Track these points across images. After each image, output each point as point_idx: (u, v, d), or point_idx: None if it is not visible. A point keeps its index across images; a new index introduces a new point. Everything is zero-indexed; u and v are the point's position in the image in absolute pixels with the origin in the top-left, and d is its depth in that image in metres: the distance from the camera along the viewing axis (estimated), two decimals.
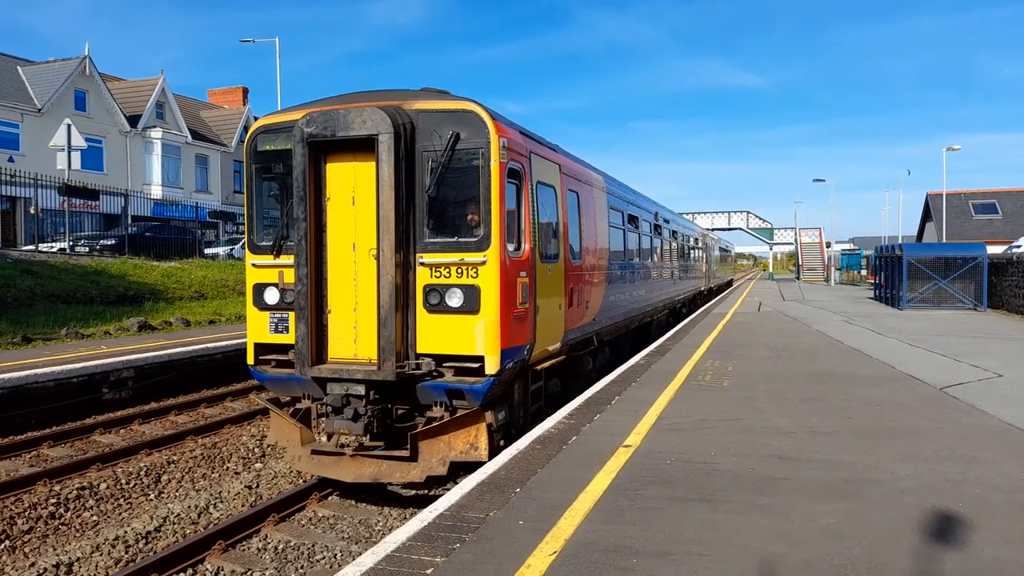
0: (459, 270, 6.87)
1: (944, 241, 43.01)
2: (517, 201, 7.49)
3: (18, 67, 39.86)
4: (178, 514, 7.60)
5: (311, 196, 7.02)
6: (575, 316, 9.54)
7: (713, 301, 30.80)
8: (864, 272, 55.25)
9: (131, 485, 8.45)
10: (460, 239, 6.94)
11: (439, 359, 6.96)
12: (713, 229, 56.75)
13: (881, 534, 4.46)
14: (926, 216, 55.09)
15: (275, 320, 7.50)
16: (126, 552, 6.68)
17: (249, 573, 6.19)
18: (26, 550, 6.80)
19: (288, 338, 7.39)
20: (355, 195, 7.13)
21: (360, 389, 6.88)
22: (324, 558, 6.57)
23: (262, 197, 7.82)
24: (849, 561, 4.06)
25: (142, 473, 8.77)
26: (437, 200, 7.00)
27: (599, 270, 11.02)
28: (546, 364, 8.46)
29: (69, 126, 24.99)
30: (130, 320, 17.38)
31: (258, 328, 7.61)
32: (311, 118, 6.94)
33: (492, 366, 6.82)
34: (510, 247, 7.18)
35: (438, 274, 6.92)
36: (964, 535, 4.43)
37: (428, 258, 6.96)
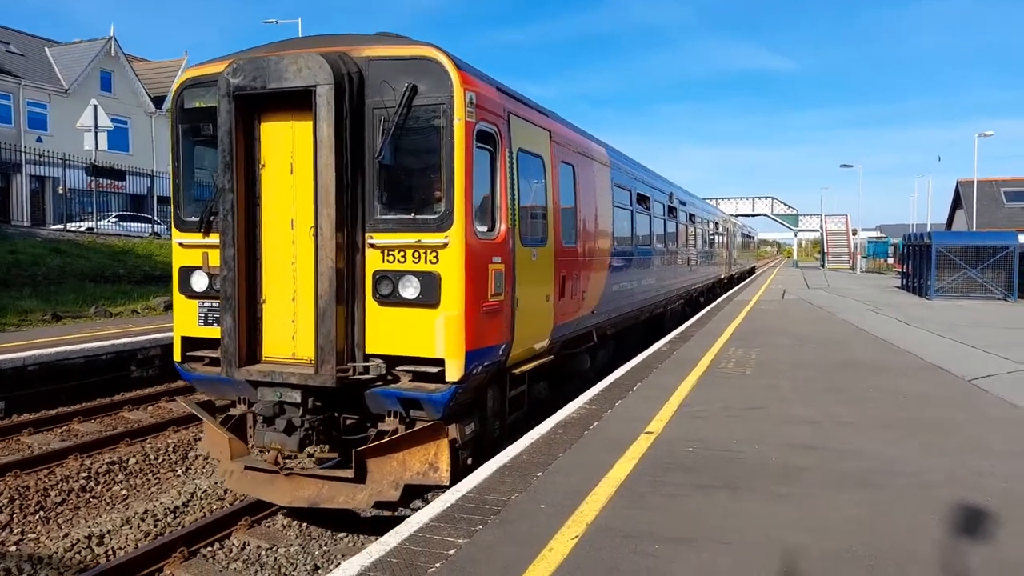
0: (416, 254, 5.80)
1: (974, 229, 42.18)
2: (491, 171, 6.37)
3: (45, 48, 40.40)
4: (205, 490, 7.74)
5: (239, 162, 5.97)
6: (568, 308, 8.37)
7: (735, 289, 30.55)
8: (891, 260, 54.42)
9: (159, 460, 8.62)
10: (417, 216, 5.85)
11: (392, 361, 5.93)
12: (737, 215, 56.14)
13: (906, 526, 4.43)
14: (956, 204, 54.00)
15: (204, 311, 6.51)
16: (155, 526, 6.83)
17: (275, 548, 6.31)
18: (59, 521, 6.99)
19: (219, 332, 6.30)
20: (293, 161, 6.04)
21: (296, 396, 5.88)
22: (347, 534, 6.68)
23: (191, 164, 6.75)
24: (873, 552, 4.04)
25: (170, 449, 8.95)
26: (390, 168, 5.95)
27: (599, 255, 9.80)
28: (529, 366, 7.28)
29: (96, 107, 25.26)
30: (156, 299, 17.64)
31: (186, 319, 6.61)
32: (237, 67, 5.87)
33: (454, 371, 5.74)
34: (480, 227, 6.10)
35: (391, 258, 5.87)
36: (992, 529, 4.38)
37: (379, 239, 5.89)
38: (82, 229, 26.51)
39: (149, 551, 5.95)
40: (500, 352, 6.44)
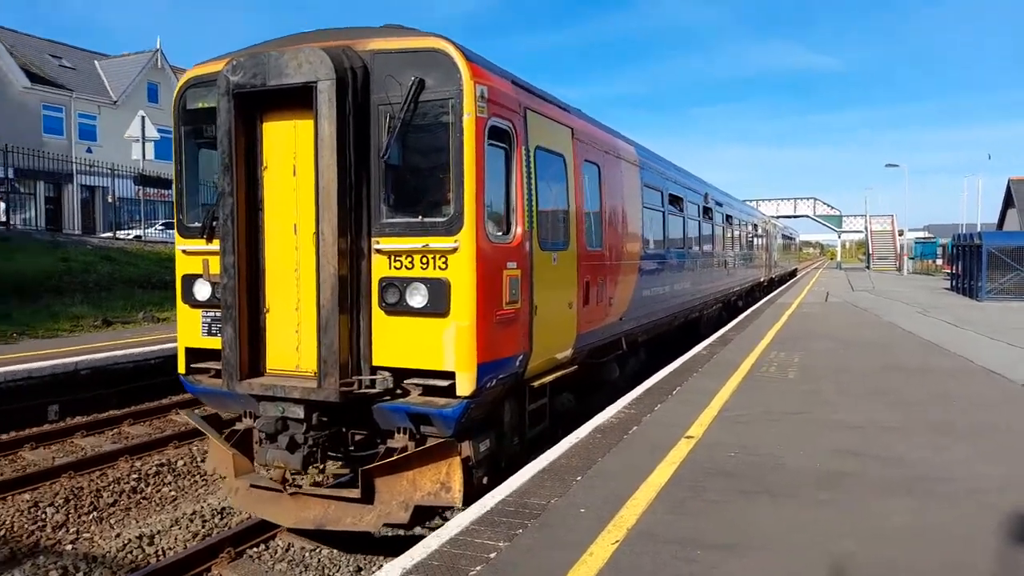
0: (424, 259, 5.45)
1: None
2: (505, 170, 6.00)
3: (95, 61, 41.89)
4: None
5: (239, 164, 5.70)
6: (594, 316, 7.95)
7: (775, 292, 30.02)
8: (940, 262, 52.92)
9: (206, 463, 8.83)
10: (425, 219, 5.50)
11: (400, 374, 5.59)
12: (778, 216, 55.20)
13: (960, 535, 4.31)
14: (1008, 203, 52.26)
15: (208, 320, 6.24)
16: (203, 526, 7.01)
17: (318, 549, 6.42)
18: (112, 521, 7.21)
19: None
20: (296, 163, 5.74)
21: (299, 411, 5.57)
22: (389, 535, 6.74)
23: (194, 168, 6.47)
24: (926, 561, 3.94)
25: None
26: (397, 168, 5.64)
27: (628, 259, 9.33)
28: (550, 377, 6.85)
29: (143, 118, 25.96)
30: None
31: (189, 329, 6.39)
32: (237, 64, 5.59)
33: (466, 385, 5.39)
34: (493, 230, 5.74)
35: (398, 264, 5.54)
36: None
37: (385, 243, 5.56)
38: (130, 237, 27.35)
39: (198, 551, 6.11)
40: (517, 363, 6.09)
